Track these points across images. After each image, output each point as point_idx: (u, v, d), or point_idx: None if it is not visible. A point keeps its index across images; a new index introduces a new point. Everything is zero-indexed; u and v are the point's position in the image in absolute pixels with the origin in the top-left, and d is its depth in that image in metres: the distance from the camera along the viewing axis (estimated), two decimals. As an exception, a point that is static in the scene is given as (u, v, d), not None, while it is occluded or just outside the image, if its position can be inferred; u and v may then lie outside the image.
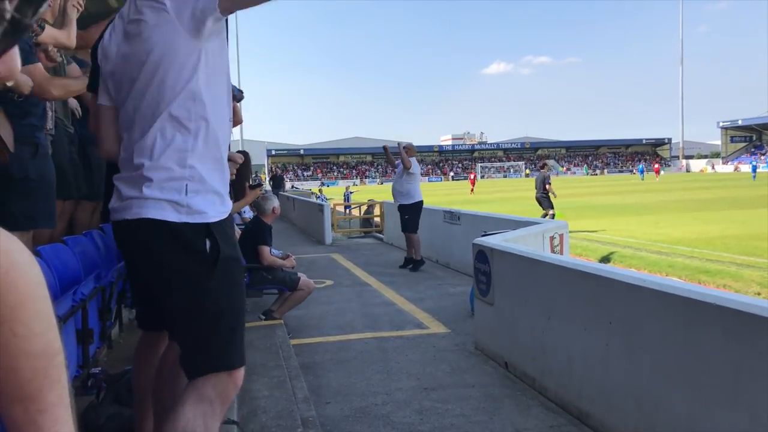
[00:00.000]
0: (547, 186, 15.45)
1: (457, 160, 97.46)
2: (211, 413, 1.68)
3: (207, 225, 1.70)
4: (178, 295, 1.72)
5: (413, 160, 9.25)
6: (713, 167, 79.77)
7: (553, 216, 14.77)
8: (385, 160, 9.63)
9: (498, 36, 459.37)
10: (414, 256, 9.26)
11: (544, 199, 15.51)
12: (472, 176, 47.88)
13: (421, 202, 9.32)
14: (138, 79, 1.72)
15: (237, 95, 2.55)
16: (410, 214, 9.21)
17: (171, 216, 1.66)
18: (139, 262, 1.83)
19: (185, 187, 1.68)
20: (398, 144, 9.49)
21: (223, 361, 1.73)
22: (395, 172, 9.62)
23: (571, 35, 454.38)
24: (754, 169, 45.81)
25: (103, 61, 1.85)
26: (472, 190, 41.48)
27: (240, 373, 1.77)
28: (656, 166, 63.16)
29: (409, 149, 9.38)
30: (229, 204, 1.83)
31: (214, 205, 1.73)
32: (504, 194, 35.64)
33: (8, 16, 0.41)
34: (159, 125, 1.68)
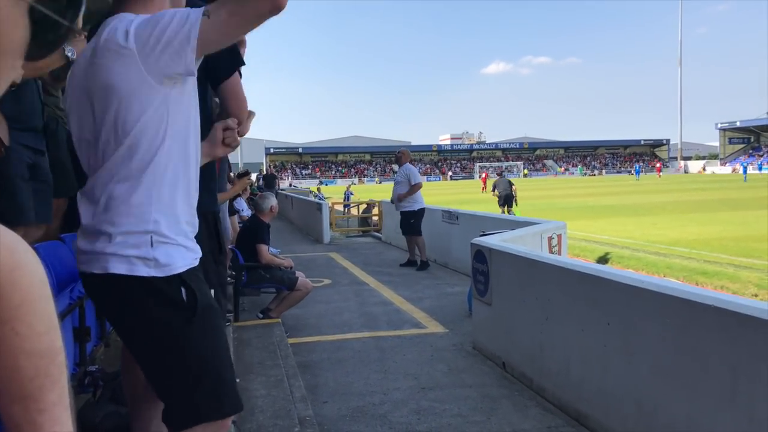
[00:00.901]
0: (513, 187, 18.82)
1: (455, 159, 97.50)
2: None
3: (179, 276, 1.64)
4: (158, 351, 1.66)
5: (412, 168, 9.41)
6: (704, 168, 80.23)
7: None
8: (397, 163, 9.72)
9: (498, 36, 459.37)
10: (421, 257, 9.28)
11: (511, 197, 18.58)
12: (484, 175, 48.52)
13: (423, 210, 9.43)
14: (94, 122, 1.64)
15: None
16: (415, 218, 9.30)
17: (141, 270, 1.60)
18: (112, 317, 1.76)
19: (150, 240, 1.61)
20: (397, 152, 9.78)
21: (212, 412, 1.68)
22: (395, 174, 9.73)
23: (571, 36, 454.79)
24: (745, 170, 46.97)
25: (69, 87, 1.75)
26: (483, 188, 41.55)
27: (227, 420, 1.73)
28: (658, 165, 67.82)
29: (404, 154, 9.56)
30: (198, 251, 1.77)
31: (182, 254, 1.67)
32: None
33: (66, 24, 0.43)
34: (115, 177, 1.61)
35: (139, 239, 1.61)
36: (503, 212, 17.47)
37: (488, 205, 19.87)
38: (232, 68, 2.31)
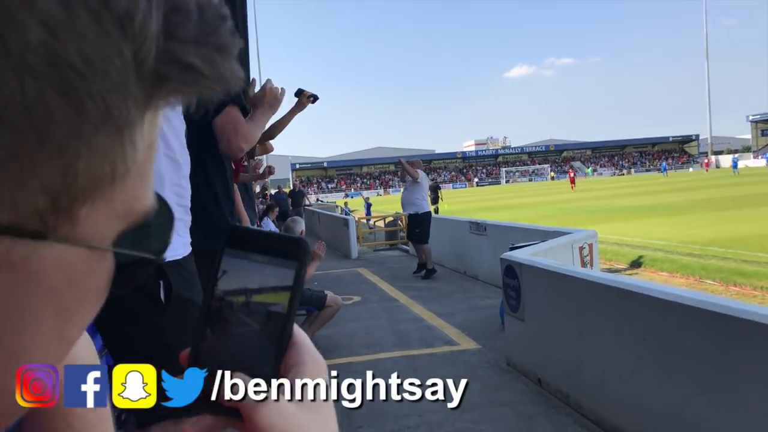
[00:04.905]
0: (439, 191, 26.05)
1: (481, 165, 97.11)
2: None
3: (158, 265, 1.61)
4: (126, 344, 1.60)
5: (420, 172, 9.78)
6: (701, 165, 79.57)
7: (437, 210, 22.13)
8: (400, 172, 10.42)
9: (520, 39, 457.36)
10: (427, 265, 9.60)
11: (437, 198, 24.71)
12: (571, 174, 49.78)
13: (429, 213, 9.84)
14: None
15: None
16: (420, 225, 9.63)
17: None
18: None
19: None
20: (399, 160, 10.36)
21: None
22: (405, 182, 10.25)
23: (594, 35, 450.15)
24: (735, 164, 51.76)
25: None
26: (573, 187, 43.89)
27: None
28: (706, 161, 71.87)
29: (415, 163, 10.00)
30: (188, 246, 1.71)
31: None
32: (531, 199, 35.40)
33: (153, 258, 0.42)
34: None
35: None
36: (432, 210, 22.21)
37: (581, 203, 21.63)
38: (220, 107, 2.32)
